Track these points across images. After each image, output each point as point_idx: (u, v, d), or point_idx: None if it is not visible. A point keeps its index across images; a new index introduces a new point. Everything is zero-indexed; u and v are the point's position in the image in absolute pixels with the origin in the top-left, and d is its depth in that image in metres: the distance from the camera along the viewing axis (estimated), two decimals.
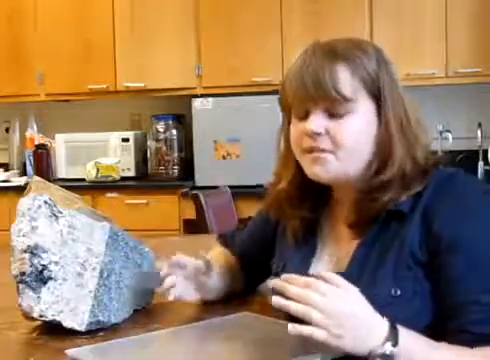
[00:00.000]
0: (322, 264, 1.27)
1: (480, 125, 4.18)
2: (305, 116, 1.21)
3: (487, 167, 4.14)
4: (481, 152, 4.17)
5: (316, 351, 1.03)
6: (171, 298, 1.37)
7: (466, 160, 4.06)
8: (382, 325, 1.01)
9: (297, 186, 1.29)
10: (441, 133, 4.11)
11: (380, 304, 1.12)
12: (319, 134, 1.18)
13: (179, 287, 1.39)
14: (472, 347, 1.05)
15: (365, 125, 1.19)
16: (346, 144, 1.18)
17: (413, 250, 1.13)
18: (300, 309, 0.99)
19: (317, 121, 1.18)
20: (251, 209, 4.16)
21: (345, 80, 1.17)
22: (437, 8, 4.05)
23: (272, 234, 1.42)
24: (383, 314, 1.11)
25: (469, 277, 1.09)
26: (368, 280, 1.16)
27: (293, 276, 1.03)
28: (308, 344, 1.01)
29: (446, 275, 1.11)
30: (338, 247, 1.26)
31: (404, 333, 1.01)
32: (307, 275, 1.26)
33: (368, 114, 1.19)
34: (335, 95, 1.16)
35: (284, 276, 1.04)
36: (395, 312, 1.11)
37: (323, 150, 1.18)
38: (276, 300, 1.00)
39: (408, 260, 1.13)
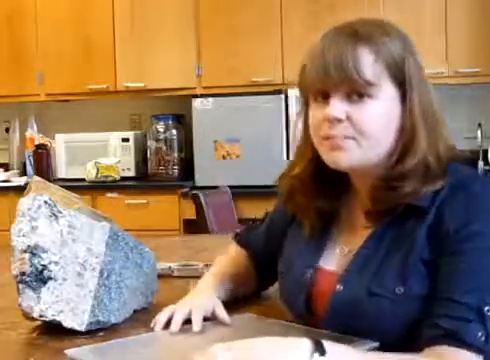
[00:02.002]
0: (332, 256, 1.25)
1: (480, 125, 4.18)
2: (325, 101, 1.17)
3: (487, 167, 4.15)
4: (481, 152, 4.17)
5: None
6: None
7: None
8: (302, 342, 0.99)
9: (311, 174, 1.25)
10: None
11: (382, 300, 1.12)
12: (340, 120, 1.14)
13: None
14: (437, 342, 1.04)
15: (387, 111, 1.15)
16: (368, 130, 1.14)
17: (421, 248, 1.12)
18: None
19: (338, 106, 1.14)
20: (251, 209, 4.19)
21: (368, 63, 1.13)
22: (437, 7, 4.05)
23: (287, 227, 1.37)
24: (384, 310, 1.11)
25: (461, 276, 1.07)
26: (372, 275, 1.15)
27: None
28: None
29: (443, 271, 1.09)
30: (352, 237, 1.24)
31: (329, 343, 0.99)
32: (315, 268, 1.26)
33: (391, 100, 1.16)
34: (357, 78, 1.12)
35: None
36: (397, 309, 1.11)
37: (344, 137, 1.15)
38: None
39: (415, 258, 1.12)
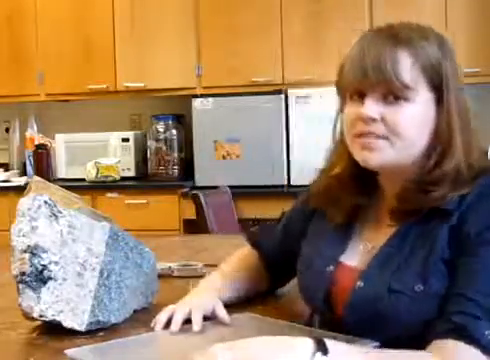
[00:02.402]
0: (355, 252, 1.26)
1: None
2: (361, 100, 1.18)
3: None
4: None
5: None
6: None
7: None
8: (304, 341, 0.99)
9: (350, 173, 1.26)
10: None
11: (402, 297, 1.13)
12: (374, 120, 1.15)
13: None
14: (445, 336, 1.05)
15: (423, 114, 1.17)
16: (403, 132, 1.15)
17: (443, 248, 1.13)
18: None
19: (373, 106, 1.16)
20: (251, 209, 4.18)
21: (406, 67, 1.14)
22: (437, 9, 4.05)
23: (306, 226, 1.38)
24: (403, 307, 1.12)
25: (476, 276, 1.08)
26: (392, 271, 1.15)
27: None
28: None
29: (459, 270, 1.10)
30: (376, 234, 1.24)
31: (331, 343, 1.00)
32: (336, 264, 1.26)
33: (426, 103, 1.17)
34: (395, 81, 1.14)
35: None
36: (415, 307, 1.12)
37: (377, 136, 1.16)
38: None
39: (436, 258, 1.12)
